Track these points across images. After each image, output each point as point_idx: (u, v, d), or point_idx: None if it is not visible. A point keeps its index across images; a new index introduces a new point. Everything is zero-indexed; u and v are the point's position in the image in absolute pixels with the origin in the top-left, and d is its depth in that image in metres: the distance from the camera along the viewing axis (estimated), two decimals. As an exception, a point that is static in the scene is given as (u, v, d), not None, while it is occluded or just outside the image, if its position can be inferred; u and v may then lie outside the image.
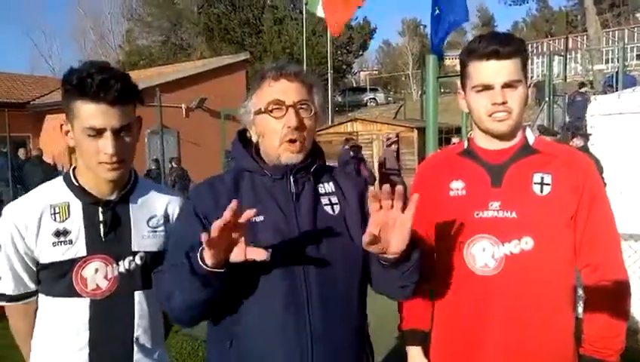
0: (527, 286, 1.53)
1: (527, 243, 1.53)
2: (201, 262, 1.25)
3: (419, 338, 1.77)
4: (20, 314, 1.61)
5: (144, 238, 1.60)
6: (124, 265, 1.57)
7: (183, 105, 15.71)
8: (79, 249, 1.52)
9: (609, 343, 1.53)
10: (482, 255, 1.56)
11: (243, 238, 1.25)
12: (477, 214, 1.58)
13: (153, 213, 1.65)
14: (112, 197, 1.58)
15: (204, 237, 1.19)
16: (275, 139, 1.46)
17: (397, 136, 12.51)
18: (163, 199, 1.70)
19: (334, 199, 1.54)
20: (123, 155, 1.49)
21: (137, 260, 1.58)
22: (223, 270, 1.27)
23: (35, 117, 15.96)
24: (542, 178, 1.56)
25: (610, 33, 26.49)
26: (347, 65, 32.15)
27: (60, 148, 9.78)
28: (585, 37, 24.83)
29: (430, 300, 1.74)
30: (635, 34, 25.61)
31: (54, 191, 1.57)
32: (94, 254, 1.53)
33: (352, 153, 9.10)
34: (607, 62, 21.18)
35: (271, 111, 1.46)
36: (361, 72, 43.46)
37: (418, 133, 12.55)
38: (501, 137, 1.60)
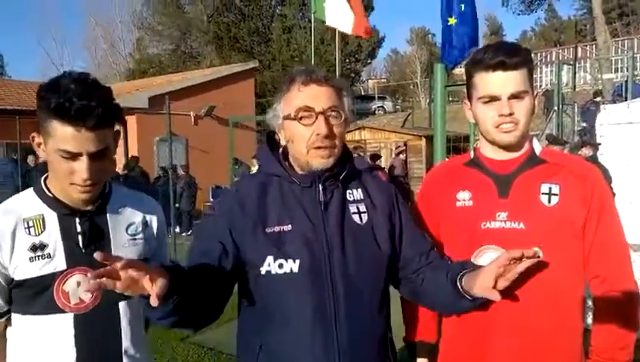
0: (535, 296, 1.52)
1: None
2: None
3: (426, 350, 1.76)
4: None
5: (124, 247, 1.55)
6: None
7: (191, 113, 15.78)
8: (58, 262, 1.45)
9: (616, 354, 1.51)
10: None
11: (142, 276, 1.11)
12: (484, 225, 1.57)
13: (131, 220, 1.60)
14: (89, 208, 1.51)
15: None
16: (304, 146, 1.44)
17: (405, 144, 12.51)
18: (140, 205, 1.65)
19: (362, 207, 1.52)
20: (96, 178, 1.42)
21: None
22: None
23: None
24: (549, 188, 1.55)
25: (620, 42, 26.38)
26: (355, 73, 32.20)
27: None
28: (594, 46, 24.74)
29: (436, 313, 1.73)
30: (645, 43, 25.48)
31: (26, 203, 1.48)
32: (75, 267, 1.46)
33: (370, 162, 9.12)
34: (616, 71, 21.09)
35: (300, 118, 1.43)
36: (370, 81, 43.47)
37: (426, 142, 12.53)
38: (508, 148, 1.59)
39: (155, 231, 1.67)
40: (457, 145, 8.39)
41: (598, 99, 13.11)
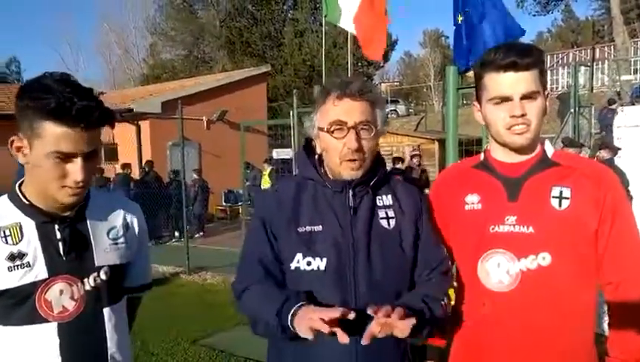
0: (544, 303, 1.48)
1: (544, 258, 1.48)
2: (290, 324, 1.34)
3: (436, 354, 1.73)
4: None
5: (106, 252, 1.51)
6: (89, 283, 1.46)
7: (204, 118, 15.86)
8: (39, 271, 1.39)
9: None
10: (497, 271, 1.52)
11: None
12: (492, 228, 1.54)
13: (112, 224, 1.56)
14: (67, 214, 1.46)
15: (308, 330, 1.26)
16: (336, 157, 1.52)
17: (419, 148, 12.44)
18: (120, 209, 1.61)
19: (391, 212, 1.58)
20: (87, 181, 1.39)
21: (102, 275, 1.48)
22: None
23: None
24: (561, 191, 1.51)
25: (639, 43, 26.01)
26: (368, 77, 32.12)
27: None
28: (612, 47, 24.44)
29: (448, 315, 1.70)
30: (663, 44, 25.12)
31: (0, 212, 1.43)
32: (57, 275, 1.41)
33: (392, 165, 9.10)
34: (635, 72, 20.82)
35: (332, 131, 1.51)
36: (382, 84, 43.44)
37: (439, 145, 12.47)
38: (519, 150, 1.55)
39: (136, 232, 1.63)
40: (470, 148, 8.30)
41: (614, 106, 12.91)
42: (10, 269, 1.37)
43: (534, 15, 32.62)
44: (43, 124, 1.31)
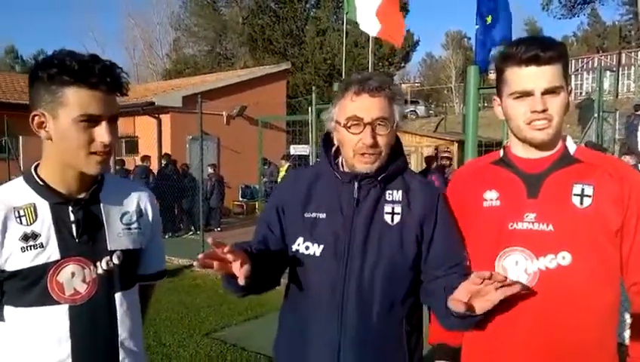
0: (562, 303, 1.44)
1: (564, 258, 1.44)
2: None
3: (449, 353, 1.70)
4: None
5: (119, 236, 1.51)
6: (101, 266, 1.46)
7: (224, 113, 15.94)
8: (52, 252, 1.39)
9: None
10: (514, 268, 1.48)
11: (236, 261, 1.34)
12: (511, 226, 1.50)
13: (126, 209, 1.56)
14: (82, 196, 1.46)
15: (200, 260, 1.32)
16: (351, 150, 1.56)
17: (437, 148, 12.34)
18: (134, 194, 1.61)
19: (397, 208, 1.59)
20: (113, 146, 1.41)
21: (115, 260, 1.48)
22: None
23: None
24: (582, 189, 1.47)
25: (666, 49, 25.45)
26: (389, 77, 32.04)
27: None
28: (639, 52, 23.96)
29: None
30: (692, 50, 24.54)
31: (15, 192, 1.43)
32: (69, 257, 1.41)
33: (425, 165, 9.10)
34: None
35: (349, 127, 1.54)
36: (403, 85, 43.20)
37: (458, 146, 12.33)
38: (540, 146, 1.52)
39: (150, 220, 1.63)
40: (490, 150, 8.20)
41: None
42: (23, 250, 1.37)
43: (559, 18, 32.22)
44: (66, 91, 1.33)
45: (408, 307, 1.60)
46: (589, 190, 1.46)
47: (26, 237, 1.38)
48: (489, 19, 4.73)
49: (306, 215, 1.61)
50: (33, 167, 1.48)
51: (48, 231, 1.41)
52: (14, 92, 15.61)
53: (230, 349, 4.68)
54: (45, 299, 1.39)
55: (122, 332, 1.50)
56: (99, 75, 1.33)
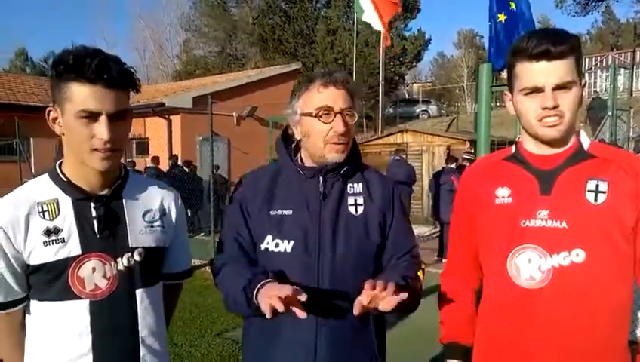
0: (576, 301, 1.41)
1: (578, 255, 1.41)
2: (255, 299, 1.42)
3: (460, 352, 1.68)
4: (1, 323, 1.46)
5: (141, 233, 1.51)
6: (122, 263, 1.47)
7: (234, 114, 15.98)
8: (73, 247, 1.41)
9: None
10: (527, 266, 1.45)
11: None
12: (523, 223, 1.47)
13: (148, 207, 1.56)
14: (104, 192, 1.48)
15: (267, 307, 1.31)
16: (321, 140, 1.59)
17: (472, 148, 12.24)
18: (157, 193, 1.61)
19: (360, 200, 1.66)
20: (117, 144, 1.40)
21: (136, 256, 1.49)
22: None
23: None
24: (597, 185, 1.44)
25: (681, 46, 25.07)
26: (400, 76, 31.84)
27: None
28: (653, 50, 23.62)
29: (474, 313, 1.65)
30: None
31: (40, 188, 1.45)
32: (90, 252, 1.43)
33: (447, 164, 9.05)
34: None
35: (320, 116, 1.58)
36: (414, 84, 43.04)
37: (470, 146, 12.24)
38: (552, 143, 1.48)
39: (173, 218, 1.63)
40: (502, 148, 8.12)
41: None
42: (45, 244, 1.40)
43: (573, 16, 31.83)
44: (70, 86, 1.34)
45: None
46: (603, 186, 1.43)
47: (48, 232, 1.40)
48: (501, 16, 4.69)
49: (272, 213, 1.63)
50: (58, 163, 1.50)
51: (70, 226, 1.43)
52: (25, 94, 15.80)
53: (242, 349, 4.67)
54: (66, 294, 1.41)
55: (143, 329, 1.51)
56: (95, 69, 1.32)
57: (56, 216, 1.42)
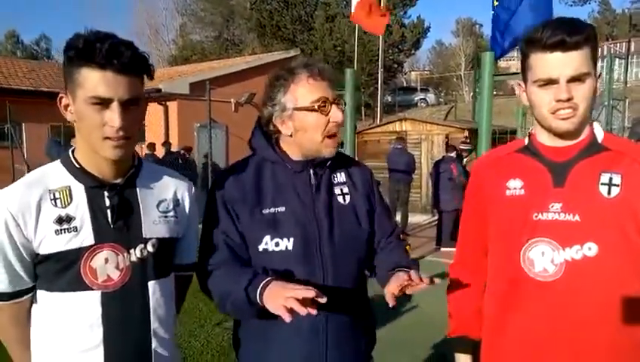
0: (589, 294, 1.40)
1: (590, 249, 1.40)
2: (259, 300, 1.37)
3: (470, 346, 1.68)
4: (7, 314, 1.42)
5: (155, 224, 1.47)
6: (135, 254, 1.43)
7: (232, 100, 15.89)
8: (86, 237, 1.37)
9: None
10: (541, 259, 1.44)
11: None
12: (536, 216, 1.46)
13: (162, 196, 1.52)
14: (118, 181, 1.43)
15: (284, 310, 1.25)
16: (319, 134, 1.56)
17: (467, 138, 12.25)
18: (171, 182, 1.58)
19: (345, 189, 1.68)
20: (129, 131, 1.34)
21: (149, 247, 1.46)
22: None
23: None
24: (610, 178, 1.42)
25: (677, 36, 25.04)
26: (398, 64, 31.74)
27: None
28: (649, 40, 23.60)
29: (481, 306, 1.64)
30: None
31: (52, 175, 1.40)
32: (103, 242, 1.39)
33: (447, 153, 9.07)
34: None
35: (319, 108, 1.54)
36: (412, 72, 42.89)
37: (469, 134, 12.22)
38: (565, 135, 1.47)
39: (187, 209, 1.60)
40: (503, 137, 8.11)
41: None
42: (57, 232, 1.35)
43: (571, 5, 31.77)
44: (81, 71, 1.30)
45: (364, 282, 1.71)
46: (617, 179, 1.42)
47: (60, 220, 1.36)
48: (495, 1, 4.66)
49: (265, 211, 1.57)
50: (71, 150, 1.46)
51: (83, 215, 1.38)
52: (16, 77, 15.49)
53: (241, 337, 4.68)
54: (78, 285, 1.37)
55: (154, 321, 1.48)
56: (106, 54, 1.27)
57: (69, 204, 1.38)
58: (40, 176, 1.40)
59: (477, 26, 42.27)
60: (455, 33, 44.30)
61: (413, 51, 32.77)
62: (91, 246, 1.38)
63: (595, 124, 1.52)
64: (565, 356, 1.43)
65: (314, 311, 1.27)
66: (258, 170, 1.64)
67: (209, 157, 9.63)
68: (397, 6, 26.25)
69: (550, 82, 1.40)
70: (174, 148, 12.82)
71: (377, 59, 18.81)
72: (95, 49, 1.27)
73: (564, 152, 1.48)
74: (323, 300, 1.27)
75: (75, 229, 1.37)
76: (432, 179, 9.00)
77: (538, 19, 4.40)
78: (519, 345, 1.50)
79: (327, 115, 1.55)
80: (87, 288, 1.38)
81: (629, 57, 18.53)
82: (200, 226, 1.66)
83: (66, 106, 1.37)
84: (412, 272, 1.41)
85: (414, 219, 11.05)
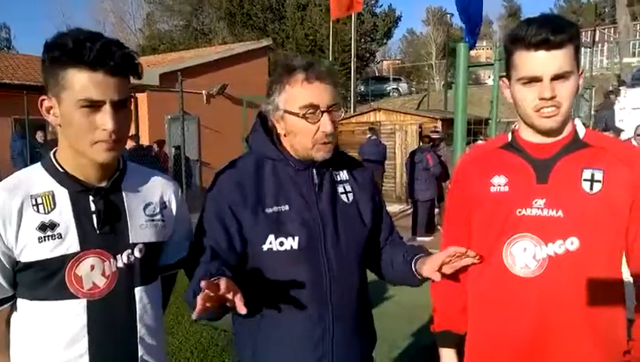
0: (571, 289, 1.44)
1: (572, 243, 1.43)
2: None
3: (454, 340, 1.70)
4: None
5: (142, 228, 1.43)
6: (122, 260, 1.38)
7: (204, 92, 15.66)
8: (71, 244, 1.31)
9: None
10: (523, 255, 1.47)
11: (232, 294, 1.19)
12: (519, 212, 1.48)
13: (149, 199, 1.47)
14: (103, 184, 1.38)
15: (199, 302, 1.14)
16: (309, 141, 1.52)
17: (420, 126, 12.37)
18: (158, 184, 1.53)
19: (348, 187, 1.66)
20: (121, 134, 1.31)
21: (136, 253, 1.41)
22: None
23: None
24: (592, 174, 1.45)
25: (639, 26, 25.70)
26: (370, 53, 31.76)
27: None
28: (612, 29, 24.17)
29: (466, 301, 1.66)
30: (667, 26, 24.86)
31: (33, 179, 1.35)
32: (89, 249, 1.33)
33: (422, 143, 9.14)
34: (635, 55, 20.70)
35: (306, 116, 1.49)
36: (384, 61, 43.00)
37: (442, 124, 12.35)
38: (549, 133, 1.49)
39: (174, 211, 1.55)
40: (478, 127, 8.21)
41: (612, 97, 12.80)
42: (40, 240, 1.30)
43: (538, -7, 32.09)
44: (68, 73, 1.24)
45: (366, 280, 1.71)
46: (598, 175, 1.45)
47: (43, 227, 1.30)
48: None
49: (267, 210, 1.53)
50: (52, 153, 1.39)
51: (67, 220, 1.33)
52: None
53: (221, 335, 4.63)
54: (62, 293, 1.32)
55: (141, 328, 1.43)
56: (97, 55, 1.22)
57: (52, 210, 1.32)
58: (20, 181, 1.35)
59: (447, 15, 42.59)
60: (426, 22, 44.56)
61: (385, 40, 32.84)
62: (77, 253, 1.33)
63: (577, 121, 1.55)
64: (547, 351, 1.46)
65: (242, 309, 1.18)
66: (257, 169, 1.59)
67: (182, 149, 9.47)
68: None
69: (534, 80, 1.41)
70: (145, 142, 12.54)
71: (350, 48, 18.77)
72: (85, 49, 1.22)
73: (547, 149, 1.50)
74: (238, 303, 1.17)
75: (60, 236, 1.31)
76: (407, 169, 9.08)
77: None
78: (501, 339, 1.52)
79: (315, 123, 1.49)
80: (71, 296, 1.33)
81: (594, 46, 18.93)
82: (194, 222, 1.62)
83: (49, 109, 1.31)
84: (452, 248, 1.48)
85: (388, 208, 11.09)
